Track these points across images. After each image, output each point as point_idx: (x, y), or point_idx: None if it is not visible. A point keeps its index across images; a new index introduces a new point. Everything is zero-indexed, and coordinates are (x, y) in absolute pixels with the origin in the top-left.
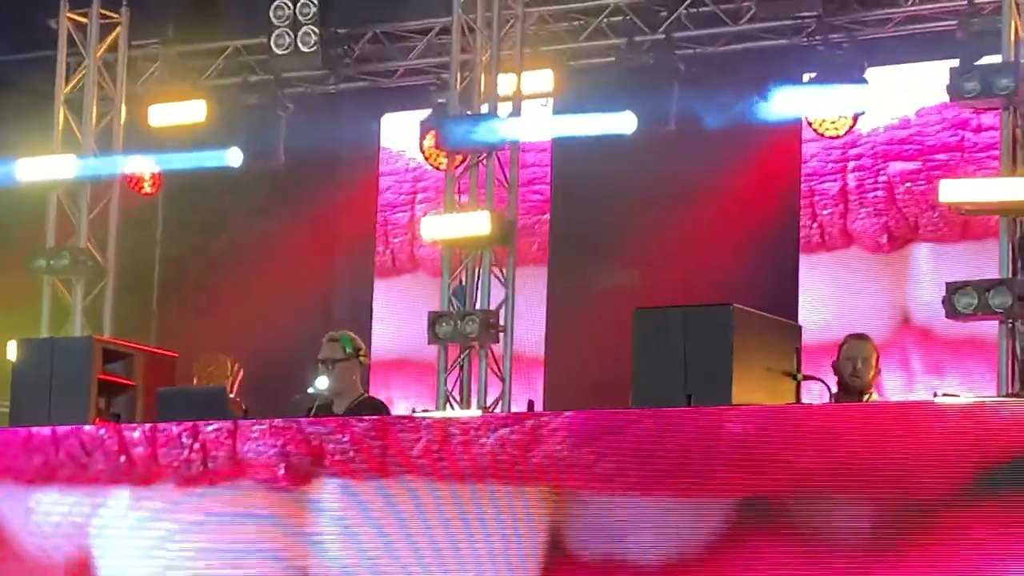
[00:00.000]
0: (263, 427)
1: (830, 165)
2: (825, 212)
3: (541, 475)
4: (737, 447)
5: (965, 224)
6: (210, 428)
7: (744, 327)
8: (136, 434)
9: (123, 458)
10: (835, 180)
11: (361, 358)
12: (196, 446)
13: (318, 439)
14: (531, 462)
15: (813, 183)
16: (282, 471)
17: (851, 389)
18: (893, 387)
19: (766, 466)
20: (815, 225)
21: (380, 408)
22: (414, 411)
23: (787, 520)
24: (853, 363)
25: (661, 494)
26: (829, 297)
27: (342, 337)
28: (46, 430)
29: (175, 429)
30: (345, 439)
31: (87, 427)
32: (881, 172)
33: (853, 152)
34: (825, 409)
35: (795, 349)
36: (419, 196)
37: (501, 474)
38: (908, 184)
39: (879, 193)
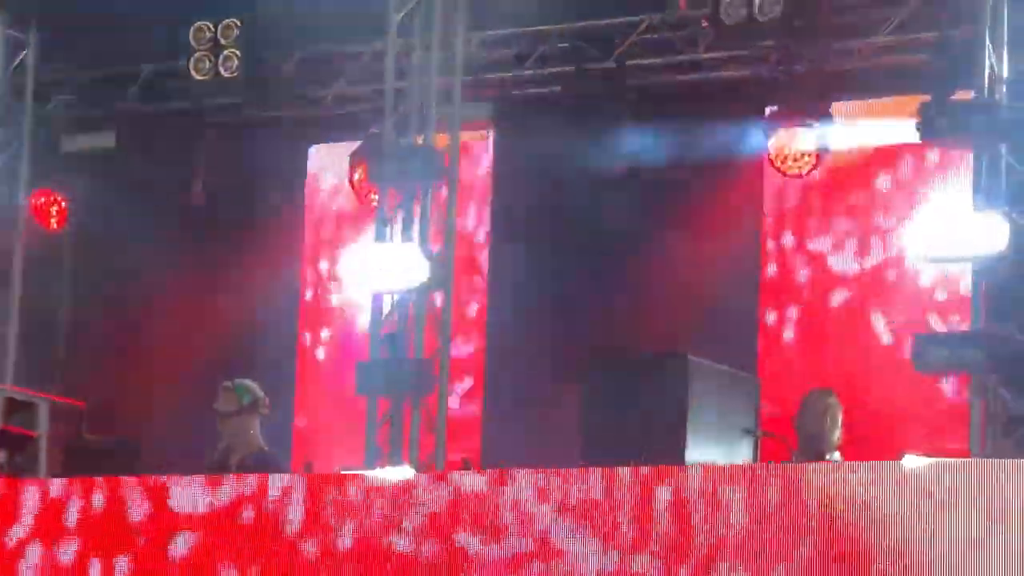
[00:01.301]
0: None
1: None
2: None
3: None
4: None
5: None
6: None
7: (700, 379)
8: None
9: None
10: None
11: (261, 410)
12: None
13: None
14: None
15: None
16: None
17: (816, 447)
18: None
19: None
20: None
21: (270, 464)
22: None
23: None
24: (820, 419)
25: None
26: None
27: (238, 386)
28: None
29: None
30: None
31: None
32: None
33: None
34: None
35: (754, 404)
36: None
37: None
38: None
39: None
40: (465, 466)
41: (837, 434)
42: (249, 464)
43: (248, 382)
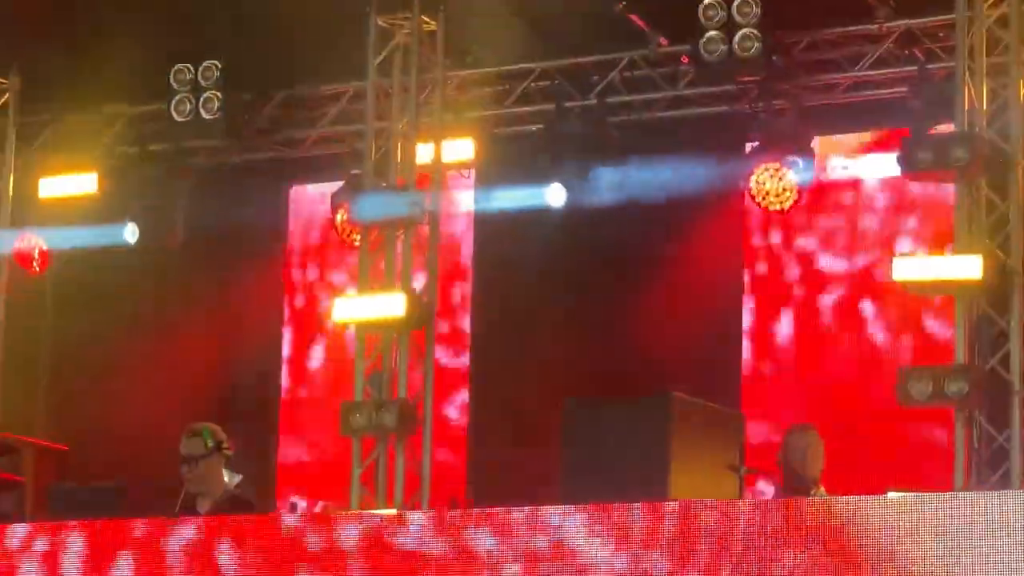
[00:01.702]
0: None
1: None
2: None
3: None
4: None
5: None
6: None
7: (684, 417)
8: None
9: None
10: None
11: (224, 451)
12: None
13: None
14: None
15: None
16: None
17: (800, 482)
18: None
19: None
20: None
21: (247, 506)
22: (326, 507)
23: None
24: (802, 455)
25: None
26: None
27: (202, 430)
28: None
29: None
30: None
31: None
32: None
33: None
34: None
35: (739, 440)
36: None
37: None
38: None
39: None
40: (453, 505)
41: (819, 468)
42: (225, 509)
43: (211, 425)
